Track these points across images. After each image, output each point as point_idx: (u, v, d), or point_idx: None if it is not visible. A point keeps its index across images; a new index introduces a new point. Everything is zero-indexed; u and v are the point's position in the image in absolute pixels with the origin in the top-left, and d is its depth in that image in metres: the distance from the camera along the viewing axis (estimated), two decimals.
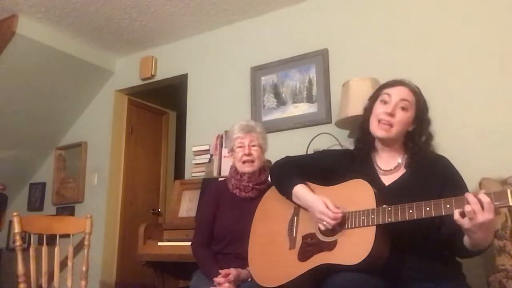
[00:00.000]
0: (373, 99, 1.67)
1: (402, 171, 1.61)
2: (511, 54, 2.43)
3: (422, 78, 2.59)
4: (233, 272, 1.89)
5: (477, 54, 2.52)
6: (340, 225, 1.50)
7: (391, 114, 1.55)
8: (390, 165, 1.63)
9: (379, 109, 1.59)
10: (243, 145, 2.13)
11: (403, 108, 1.56)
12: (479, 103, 2.47)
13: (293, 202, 1.69)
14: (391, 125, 1.55)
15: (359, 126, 1.72)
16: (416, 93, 1.62)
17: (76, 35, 3.72)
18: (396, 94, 1.58)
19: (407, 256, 1.45)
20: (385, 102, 1.59)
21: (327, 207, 1.50)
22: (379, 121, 1.57)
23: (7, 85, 3.61)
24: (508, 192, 1.23)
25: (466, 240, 1.37)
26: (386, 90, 1.61)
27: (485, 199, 1.24)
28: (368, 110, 1.66)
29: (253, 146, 2.13)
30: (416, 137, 1.59)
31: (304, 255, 1.55)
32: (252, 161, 2.11)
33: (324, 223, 1.50)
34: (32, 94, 3.80)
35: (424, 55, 2.68)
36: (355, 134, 1.78)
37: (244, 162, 2.11)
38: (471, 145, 2.41)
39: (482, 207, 1.23)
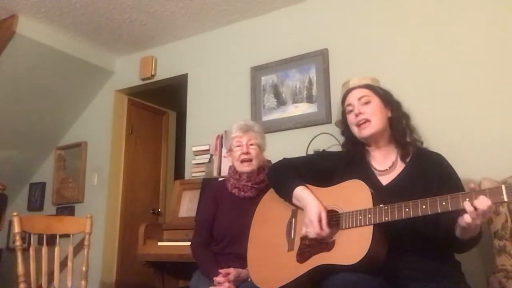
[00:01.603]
0: (343, 116, 1.76)
1: (398, 170, 1.62)
2: None
3: (422, 77, 2.63)
4: (233, 271, 1.89)
5: (477, 54, 2.52)
6: (337, 225, 1.51)
7: (360, 113, 1.64)
8: (385, 165, 1.65)
9: (351, 119, 1.69)
10: (241, 144, 2.13)
11: (365, 103, 1.66)
12: (480, 103, 2.46)
13: (293, 204, 1.69)
14: (368, 120, 1.63)
15: (343, 135, 1.80)
16: (368, 85, 1.71)
17: (76, 35, 3.72)
18: (353, 98, 1.70)
19: (406, 256, 1.46)
20: (351, 111, 1.69)
21: (319, 220, 1.52)
22: (357, 126, 1.65)
23: (7, 85, 3.61)
24: (503, 188, 1.24)
25: (457, 229, 1.39)
26: (346, 102, 1.73)
27: (482, 206, 1.25)
28: (345, 124, 1.75)
29: (251, 145, 2.13)
30: (396, 122, 1.66)
31: (302, 257, 1.55)
32: (250, 160, 2.11)
33: (308, 231, 1.53)
34: (32, 94, 3.80)
35: (424, 54, 2.67)
36: (342, 143, 1.84)
37: (242, 161, 2.11)
38: (471, 145, 2.41)
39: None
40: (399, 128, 1.66)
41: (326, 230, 1.50)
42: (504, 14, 2.48)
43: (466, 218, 1.28)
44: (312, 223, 1.52)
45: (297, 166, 1.78)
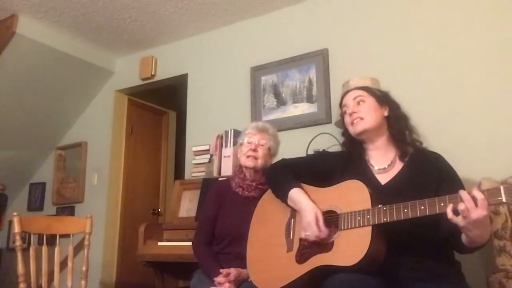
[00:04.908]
0: (343, 118, 1.79)
1: (397, 169, 1.63)
2: None
3: (422, 78, 2.63)
4: (233, 271, 1.89)
5: (477, 55, 2.52)
6: (336, 226, 1.51)
7: (353, 112, 1.68)
8: (383, 164, 1.65)
9: (347, 119, 1.72)
10: (252, 141, 2.15)
11: (359, 102, 1.69)
12: (479, 103, 2.46)
13: (289, 205, 1.69)
14: (361, 118, 1.66)
15: (343, 136, 1.82)
16: (363, 87, 1.74)
17: (76, 35, 3.72)
18: (348, 99, 1.74)
19: (405, 256, 1.45)
20: (345, 112, 1.73)
21: (317, 222, 1.52)
22: (351, 124, 1.69)
23: (7, 85, 3.61)
24: (501, 188, 1.23)
25: (463, 237, 1.38)
26: (343, 104, 1.77)
27: (479, 195, 1.25)
28: (345, 126, 1.78)
29: (261, 145, 2.15)
30: (394, 122, 1.68)
31: (301, 258, 1.55)
32: (256, 158, 2.12)
33: (307, 234, 1.54)
34: (32, 94, 3.80)
35: (424, 54, 2.67)
36: (342, 142, 1.85)
37: (248, 156, 2.12)
38: (471, 145, 2.41)
39: (476, 204, 1.24)
40: (397, 127, 1.68)
41: (324, 231, 1.51)
42: (504, 14, 2.48)
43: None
44: (310, 225, 1.53)
45: (295, 167, 1.79)
